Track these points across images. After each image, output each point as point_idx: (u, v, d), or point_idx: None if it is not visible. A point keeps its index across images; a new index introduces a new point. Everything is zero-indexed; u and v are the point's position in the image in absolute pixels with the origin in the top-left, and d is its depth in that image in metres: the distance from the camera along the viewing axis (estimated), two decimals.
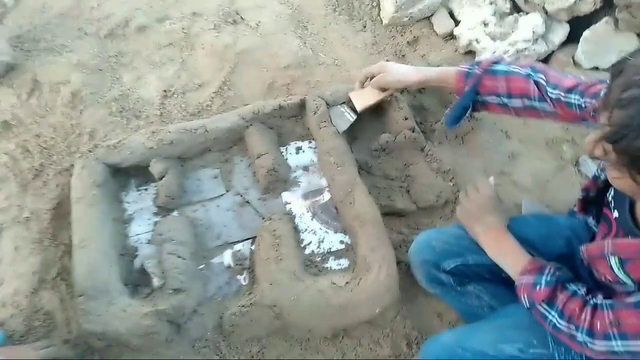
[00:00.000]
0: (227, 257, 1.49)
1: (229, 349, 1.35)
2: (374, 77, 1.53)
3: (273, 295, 1.32)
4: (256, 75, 1.85)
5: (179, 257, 1.40)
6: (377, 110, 1.69)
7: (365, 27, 2.01)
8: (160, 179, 1.55)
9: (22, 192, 1.60)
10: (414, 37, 1.95)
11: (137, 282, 1.44)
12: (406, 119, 1.64)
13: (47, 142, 1.71)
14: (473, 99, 1.32)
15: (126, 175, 1.63)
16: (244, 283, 1.45)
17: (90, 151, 1.56)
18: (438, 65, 1.75)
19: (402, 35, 1.97)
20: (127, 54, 1.92)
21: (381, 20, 2.04)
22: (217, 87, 1.81)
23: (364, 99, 1.61)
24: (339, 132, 1.61)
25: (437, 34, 1.98)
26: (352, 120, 1.64)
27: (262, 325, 1.34)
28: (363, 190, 1.49)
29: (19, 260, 1.46)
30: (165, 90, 1.82)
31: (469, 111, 1.35)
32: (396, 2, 1.91)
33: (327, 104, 1.65)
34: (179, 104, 1.79)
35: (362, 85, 1.61)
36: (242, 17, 2.02)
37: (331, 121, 1.63)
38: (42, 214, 1.57)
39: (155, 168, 1.55)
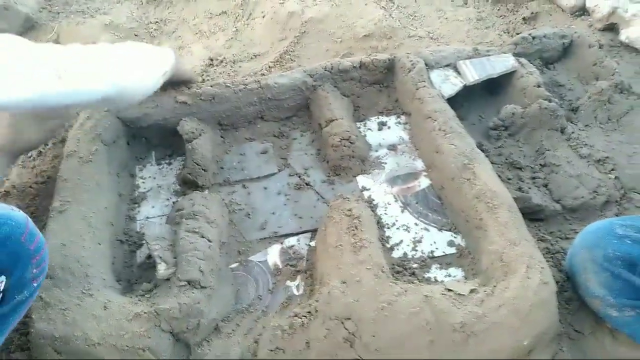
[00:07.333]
0: (273, 255, 0.99)
1: None
2: None
3: (346, 301, 0.79)
4: (326, 46, 1.44)
5: (202, 236, 0.90)
6: (493, 81, 1.22)
7: (466, 3, 1.60)
8: (190, 142, 1.10)
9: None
10: (532, 13, 1.51)
11: (137, 280, 0.95)
12: (539, 86, 1.17)
13: None
14: None
15: (146, 144, 1.20)
16: (296, 293, 0.92)
17: None
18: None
19: (514, 13, 1.54)
20: (171, 22, 1.57)
21: None
22: (276, 57, 1.41)
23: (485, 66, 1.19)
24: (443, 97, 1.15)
25: (562, 10, 1.54)
26: (459, 86, 1.18)
27: (324, 352, 0.79)
28: (487, 163, 0.99)
29: None
30: (211, 59, 1.44)
31: None
32: None
33: (427, 65, 1.21)
34: (226, 72, 1.39)
35: None
36: None
37: (432, 85, 1.18)
38: (27, 188, 1.15)
39: (185, 127, 1.11)
